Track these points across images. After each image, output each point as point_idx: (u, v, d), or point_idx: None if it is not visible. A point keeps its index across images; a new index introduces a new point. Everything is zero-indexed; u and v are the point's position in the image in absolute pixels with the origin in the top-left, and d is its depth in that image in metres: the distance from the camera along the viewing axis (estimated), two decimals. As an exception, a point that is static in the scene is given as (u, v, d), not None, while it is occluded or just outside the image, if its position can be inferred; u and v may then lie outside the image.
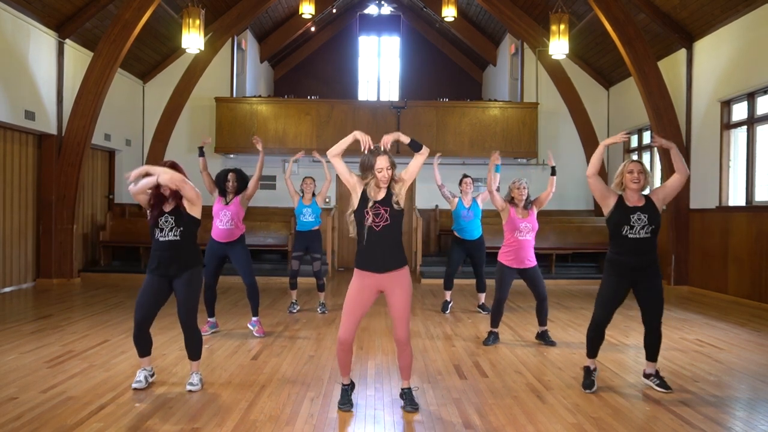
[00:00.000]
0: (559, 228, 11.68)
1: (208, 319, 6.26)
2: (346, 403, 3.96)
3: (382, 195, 3.85)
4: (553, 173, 5.97)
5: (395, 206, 3.84)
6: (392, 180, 3.88)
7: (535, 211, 5.79)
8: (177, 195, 4.24)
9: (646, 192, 4.44)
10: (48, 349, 5.42)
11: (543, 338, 5.90)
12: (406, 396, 3.99)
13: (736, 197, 9.05)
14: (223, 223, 6.02)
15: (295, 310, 7.58)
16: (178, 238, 4.20)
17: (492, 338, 5.90)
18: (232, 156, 12.93)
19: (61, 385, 4.34)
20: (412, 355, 3.99)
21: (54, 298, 8.54)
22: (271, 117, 12.65)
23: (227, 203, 6.06)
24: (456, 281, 10.16)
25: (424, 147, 3.90)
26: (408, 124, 12.48)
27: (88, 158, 10.55)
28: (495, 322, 5.91)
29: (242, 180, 6.12)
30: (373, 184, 3.85)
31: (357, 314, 3.89)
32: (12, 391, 4.18)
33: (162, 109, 12.86)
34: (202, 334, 5.96)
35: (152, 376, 4.45)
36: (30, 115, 9.24)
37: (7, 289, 9.16)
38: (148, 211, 4.31)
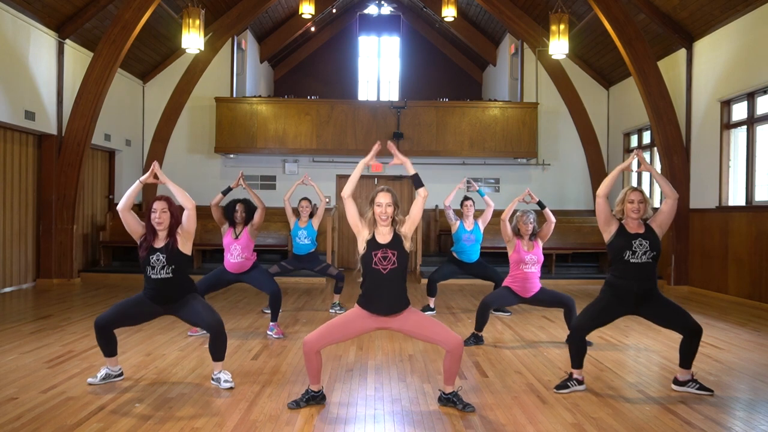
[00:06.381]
0: (559, 228, 11.63)
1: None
2: (297, 402, 3.92)
3: (389, 238, 3.85)
4: (542, 207, 6.04)
5: (403, 250, 3.84)
6: (395, 220, 3.85)
7: (540, 243, 5.81)
8: (171, 231, 4.26)
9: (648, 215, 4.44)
10: (48, 349, 5.42)
11: None
12: (456, 398, 3.95)
13: (736, 197, 9.05)
14: (234, 256, 6.03)
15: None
16: (170, 275, 4.23)
17: (473, 340, 5.81)
18: (231, 156, 12.94)
19: (61, 385, 4.34)
20: None
21: (54, 298, 8.54)
22: (271, 117, 12.65)
23: (237, 236, 6.07)
24: (456, 282, 10.25)
25: (424, 188, 3.90)
26: (408, 124, 12.48)
27: (88, 158, 10.55)
28: (479, 325, 5.81)
29: (249, 211, 6.15)
30: (379, 225, 3.84)
31: (336, 335, 3.92)
32: (12, 391, 4.18)
33: (162, 109, 12.86)
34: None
35: (118, 376, 4.45)
36: (30, 115, 9.24)
37: (7, 289, 9.16)
38: (139, 242, 4.28)
